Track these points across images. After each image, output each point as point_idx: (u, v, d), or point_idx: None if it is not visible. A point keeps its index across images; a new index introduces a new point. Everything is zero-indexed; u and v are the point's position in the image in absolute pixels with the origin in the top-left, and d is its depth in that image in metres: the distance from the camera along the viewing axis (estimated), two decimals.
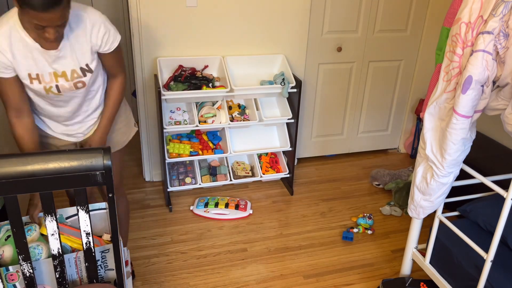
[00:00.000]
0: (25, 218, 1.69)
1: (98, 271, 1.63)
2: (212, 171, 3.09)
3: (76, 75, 1.74)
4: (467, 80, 1.61)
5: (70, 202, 2.24)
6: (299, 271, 2.49)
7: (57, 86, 1.73)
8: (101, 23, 1.71)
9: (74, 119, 1.89)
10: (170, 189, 2.96)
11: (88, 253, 1.53)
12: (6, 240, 1.61)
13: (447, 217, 2.06)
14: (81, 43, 1.71)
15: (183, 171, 3.09)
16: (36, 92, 1.73)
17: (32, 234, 1.64)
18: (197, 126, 2.83)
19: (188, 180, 3.02)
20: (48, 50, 1.65)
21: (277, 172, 3.17)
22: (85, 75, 1.76)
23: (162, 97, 2.71)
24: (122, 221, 2.23)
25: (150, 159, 3.23)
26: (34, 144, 1.78)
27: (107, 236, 1.74)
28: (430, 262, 2.17)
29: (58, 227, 1.46)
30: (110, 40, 1.75)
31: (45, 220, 1.44)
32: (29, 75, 1.68)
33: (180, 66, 2.89)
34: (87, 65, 1.75)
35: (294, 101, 2.99)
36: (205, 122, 2.87)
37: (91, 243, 1.51)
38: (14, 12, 1.61)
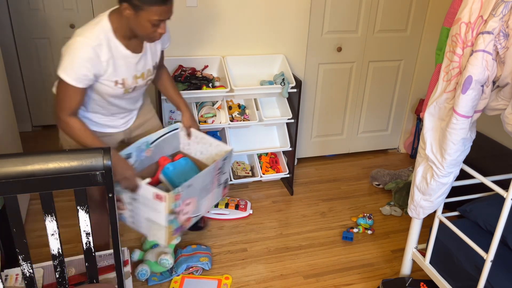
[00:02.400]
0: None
1: None
2: None
3: (149, 73, 1.87)
4: (467, 80, 1.61)
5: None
6: (299, 271, 2.49)
7: (135, 87, 1.83)
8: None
9: (129, 112, 1.99)
10: None
11: (88, 253, 1.53)
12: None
13: (447, 217, 2.06)
14: (155, 43, 1.85)
15: None
16: (113, 94, 1.79)
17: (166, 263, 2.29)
18: None
19: None
20: (136, 53, 1.76)
21: (277, 172, 3.17)
22: (154, 73, 1.91)
23: (162, 97, 2.71)
24: None
25: None
26: (94, 135, 1.78)
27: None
28: (430, 262, 2.17)
29: (58, 227, 1.46)
30: (169, 38, 2.01)
31: (45, 220, 1.43)
32: (116, 81, 1.75)
33: (180, 66, 2.89)
34: (156, 62, 1.91)
35: (294, 101, 2.99)
36: (205, 122, 2.87)
37: (91, 243, 1.51)
38: (104, 23, 1.66)
